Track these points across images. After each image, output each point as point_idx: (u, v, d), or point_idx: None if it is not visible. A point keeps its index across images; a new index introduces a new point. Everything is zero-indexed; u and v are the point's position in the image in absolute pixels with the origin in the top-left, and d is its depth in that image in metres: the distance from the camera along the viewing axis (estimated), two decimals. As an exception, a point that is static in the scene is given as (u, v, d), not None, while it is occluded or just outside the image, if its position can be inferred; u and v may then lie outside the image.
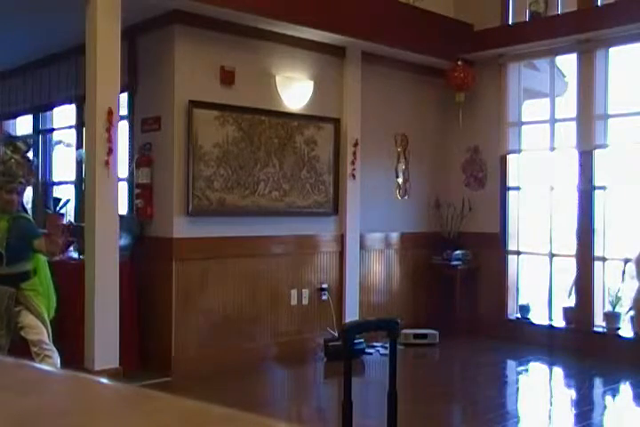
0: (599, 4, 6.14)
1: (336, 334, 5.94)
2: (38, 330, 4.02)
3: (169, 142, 5.30)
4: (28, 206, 8.05)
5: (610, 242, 6.27)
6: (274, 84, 5.84)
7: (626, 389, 5.36)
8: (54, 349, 4.08)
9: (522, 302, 6.84)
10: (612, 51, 6.28)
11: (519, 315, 6.79)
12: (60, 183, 7.38)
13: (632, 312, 5.98)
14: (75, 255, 5.61)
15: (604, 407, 4.94)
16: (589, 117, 6.26)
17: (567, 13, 6.35)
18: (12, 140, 4.06)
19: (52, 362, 3.95)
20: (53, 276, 4.34)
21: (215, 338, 5.46)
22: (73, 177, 6.81)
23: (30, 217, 4.36)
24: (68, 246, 5.71)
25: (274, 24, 5.53)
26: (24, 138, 4.31)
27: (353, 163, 6.32)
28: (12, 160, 3.94)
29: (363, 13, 5.99)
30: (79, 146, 6.47)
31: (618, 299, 6.09)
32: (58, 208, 5.47)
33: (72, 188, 6.84)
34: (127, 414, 0.75)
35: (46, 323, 4.10)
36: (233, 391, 4.78)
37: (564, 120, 6.54)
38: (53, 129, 7.50)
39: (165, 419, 0.73)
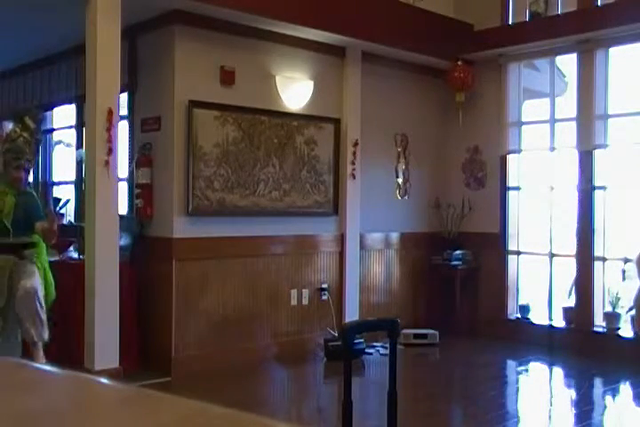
0: (599, 4, 6.14)
1: (336, 334, 5.94)
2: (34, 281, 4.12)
3: (169, 142, 5.30)
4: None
5: (610, 242, 6.26)
6: (274, 84, 5.84)
7: (626, 389, 5.36)
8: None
9: (522, 302, 6.84)
10: (612, 51, 6.27)
11: (519, 315, 6.79)
12: (59, 183, 7.38)
13: (632, 312, 5.98)
14: (75, 255, 5.61)
15: (604, 407, 4.94)
16: (589, 117, 6.26)
17: (567, 13, 6.35)
18: (21, 117, 4.11)
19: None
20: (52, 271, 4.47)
21: (215, 338, 5.46)
22: (73, 177, 6.81)
23: (35, 194, 4.55)
24: (68, 246, 5.72)
25: (274, 24, 5.53)
26: (33, 112, 4.31)
27: (353, 163, 6.32)
28: (21, 138, 4.02)
29: (363, 13, 5.99)
30: (79, 146, 6.47)
31: (618, 299, 6.09)
32: (58, 208, 5.48)
33: (72, 188, 6.85)
34: (127, 414, 0.75)
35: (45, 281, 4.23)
36: (233, 391, 4.78)
37: (564, 120, 6.54)
38: (53, 129, 7.50)
39: (165, 419, 0.73)
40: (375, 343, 6.13)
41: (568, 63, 6.96)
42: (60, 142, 7.53)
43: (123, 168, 5.37)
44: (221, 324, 5.50)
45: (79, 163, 6.39)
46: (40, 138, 4.29)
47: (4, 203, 4.17)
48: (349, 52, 6.30)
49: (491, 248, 6.89)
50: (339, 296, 6.31)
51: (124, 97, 5.42)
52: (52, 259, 5.49)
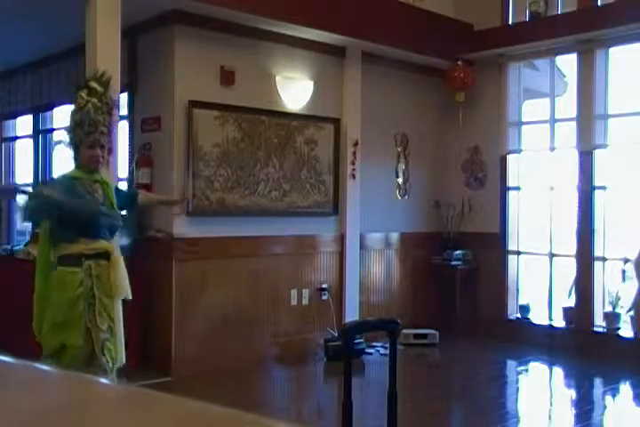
0: (599, 3, 6.14)
1: (336, 334, 5.94)
2: None
3: (169, 142, 5.30)
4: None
5: (610, 242, 6.26)
6: (274, 84, 5.84)
7: (626, 389, 5.36)
8: None
9: (522, 302, 6.84)
10: (612, 51, 6.28)
11: (519, 315, 6.79)
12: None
13: (632, 312, 5.99)
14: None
15: (604, 407, 4.94)
16: (589, 117, 6.26)
17: (567, 13, 6.35)
18: (85, 83, 3.35)
19: None
20: None
21: (215, 338, 5.46)
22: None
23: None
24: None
25: (274, 24, 5.53)
26: (98, 76, 3.42)
27: (353, 163, 6.32)
28: (90, 105, 3.23)
29: (363, 13, 5.99)
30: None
31: (618, 299, 6.10)
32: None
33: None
34: (127, 413, 0.75)
35: None
36: (233, 391, 4.78)
37: (564, 120, 6.54)
38: (53, 129, 7.50)
39: (165, 419, 0.73)
40: (375, 343, 6.13)
41: (568, 63, 6.96)
42: (60, 142, 7.52)
43: (123, 168, 5.37)
44: (221, 324, 5.50)
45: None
46: (112, 104, 3.38)
47: (100, 193, 3.38)
48: (349, 52, 6.30)
49: (491, 248, 6.89)
50: (339, 296, 6.31)
51: (124, 97, 5.42)
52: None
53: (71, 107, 3.40)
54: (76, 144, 3.30)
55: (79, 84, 3.39)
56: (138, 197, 3.78)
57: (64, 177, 3.39)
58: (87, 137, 3.24)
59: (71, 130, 3.30)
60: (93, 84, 3.30)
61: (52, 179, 3.39)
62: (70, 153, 3.36)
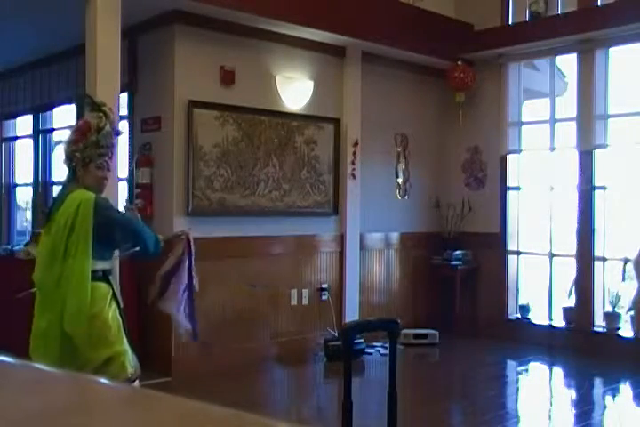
0: (599, 4, 6.14)
1: (336, 334, 5.94)
2: None
3: (169, 142, 5.30)
4: (28, 206, 8.06)
5: (610, 242, 6.26)
6: (274, 84, 5.84)
7: (626, 389, 5.36)
8: None
9: (522, 302, 6.84)
10: (612, 51, 6.28)
11: (519, 315, 6.79)
12: (60, 183, 7.37)
13: (632, 312, 5.99)
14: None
15: (604, 407, 4.94)
16: (589, 117, 6.26)
17: (567, 13, 6.35)
18: (99, 105, 3.32)
19: None
20: None
21: (215, 338, 5.45)
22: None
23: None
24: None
25: (274, 24, 5.53)
26: (103, 102, 3.42)
27: (353, 163, 6.32)
28: (107, 127, 3.25)
29: (363, 13, 5.99)
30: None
31: (618, 299, 6.10)
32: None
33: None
34: (127, 414, 0.75)
35: None
36: (233, 391, 4.78)
37: (564, 120, 6.54)
38: (53, 129, 7.50)
39: (165, 419, 0.73)
40: (375, 343, 6.13)
41: (568, 63, 6.96)
42: (60, 142, 7.52)
43: (123, 168, 5.37)
44: (221, 324, 5.49)
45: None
46: (119, 131, 3.44)
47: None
48: (349, 52, 6.30)
49: (491, 248, 6.89)
50: (339, 296, 6.31)
51: (124, 97, 5.42)
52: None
53: (71, 113, 3.42)
54: (84, 162, 3.23)
55: (92, 103, 3.34)
56: None
57: (105, 199, 3.31)
58: (99, 158, 3.22)
59: (83, 148, 3.22)
60: (107, 111, 3.28)
61: (106, 202, 3.27)
62: (68, 170, 3.29)
